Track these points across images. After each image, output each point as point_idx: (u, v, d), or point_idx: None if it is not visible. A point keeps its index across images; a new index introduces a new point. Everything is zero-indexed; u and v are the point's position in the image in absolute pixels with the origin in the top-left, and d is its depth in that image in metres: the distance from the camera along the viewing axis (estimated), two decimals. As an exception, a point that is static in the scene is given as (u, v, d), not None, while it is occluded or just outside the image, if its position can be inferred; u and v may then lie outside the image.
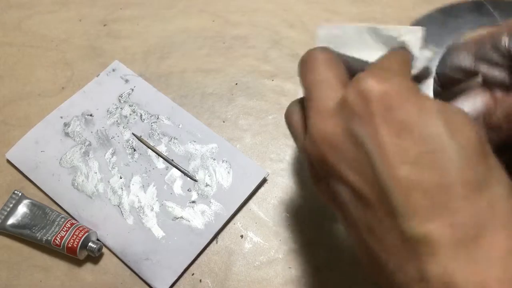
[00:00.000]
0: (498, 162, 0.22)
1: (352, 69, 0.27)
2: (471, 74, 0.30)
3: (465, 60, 0.30)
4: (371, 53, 0.29)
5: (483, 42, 0.29)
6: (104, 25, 0.51)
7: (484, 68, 0.29)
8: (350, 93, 0.23)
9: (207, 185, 0.42)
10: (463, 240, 0.19)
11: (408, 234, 0.20)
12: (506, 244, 0.19)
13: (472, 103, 0.30)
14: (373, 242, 0.22)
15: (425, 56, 0.29)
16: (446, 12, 0.42)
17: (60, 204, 0.42)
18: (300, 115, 0.28)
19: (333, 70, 0.26)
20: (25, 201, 0.41)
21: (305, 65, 0.27)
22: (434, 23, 0.40)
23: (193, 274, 0.39)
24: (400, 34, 0.29)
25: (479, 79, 0.30)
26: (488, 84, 0.29)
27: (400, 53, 0.27)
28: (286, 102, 0.46)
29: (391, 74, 0.23)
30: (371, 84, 0.22)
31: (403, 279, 0.21)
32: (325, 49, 0.27)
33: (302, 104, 0.28)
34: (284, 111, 0.45)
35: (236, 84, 0.48)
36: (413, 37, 0.29)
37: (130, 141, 0.44)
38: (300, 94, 0.28)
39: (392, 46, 0.29)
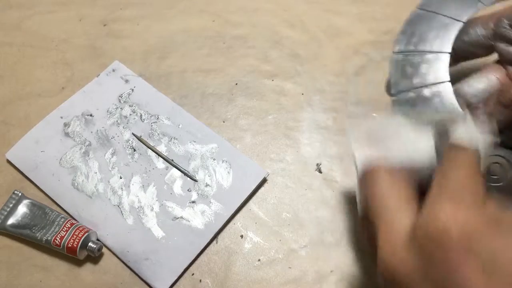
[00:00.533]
0: None
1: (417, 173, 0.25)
2: (487, 49, 0.30)
3: (482, 36, 0.29)
4: (416, 144, 0.26)
5: (500, 18, 0.28)
6: (104, 25, 0.51)
7: (500, 45, 0.28)
8: (423, 224, 0.21)
9: (207, 185, 0.42)
10: None
11: None
12: None
13: (486, 80, 0.29)
14: None
15: (485, 142, 0.25)
16: None
17: (60, 204, 0.42)
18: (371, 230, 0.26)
19: (401, 190, 0.24)
20: (25, 201, 0.41)
21: (369, 184, 0.25)
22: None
23: (193, 274, 0.39)
24: (444, 118, 0.26)
25: (495, 55, 0.29)
26: (504, 61, 0.29)
27: (464, 155, 0.24)
28: (286, 102, 0.46)
29: (468, 199, 0.21)
30: (450, 214, 0.20)
31: None
32: (388, 167, 0.25)
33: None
34: (284, 111, 0.46)
35: (236, 84, 0.48)
36: (463, 125, 0.25)
37: (130, 141, 0.44)
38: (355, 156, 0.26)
39: (449, 141, 0.25)
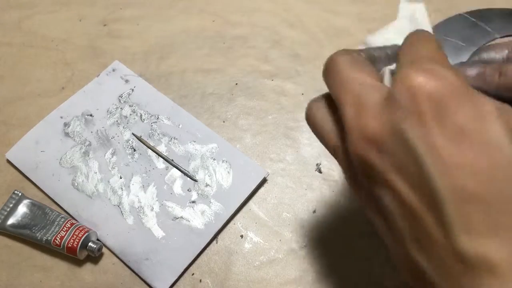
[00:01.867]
0: None
1: (378, 61, 0.25)
2: None
3: (494, 59, 0.29)
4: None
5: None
6: (104, 25, 0.51)
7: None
8: (398, 89, 0.20)
9: (207, 185, 0.42)
10: None
11: (463, 252, 0.18)
12: None
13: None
14: (418, 254, 0.20)
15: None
16: (477, 15, 0.41)
17: (60, 204, 0.42)
18: (328, 114, 0.25)
19: (366, 68, 0.24)
20: (25, 201, 0.41)
21: (333, 68, 0.24)
22: (465, 23, 0.39)
23: (193, 274, 0.39)
24: (407, 11, 0.27)
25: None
26: None
27: (426, 35, 0.24)
28: (286, 102, 0.46)
29: (439, 67, 0.20)
30: (422, 80, 0.20)
31: None
32: (346, 51, 0.25)
33: (328, 102, 0.26)
34: (284, 111, 0.46)
35: (236, 84, 0.48)
36: (420, 13, 0.26)
37: (130, 141, 0.44)
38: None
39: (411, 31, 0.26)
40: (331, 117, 0.25)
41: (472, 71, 0.29)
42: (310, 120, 0.27)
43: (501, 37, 0.37)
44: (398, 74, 0.21)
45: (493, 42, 0.33)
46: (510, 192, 0.18)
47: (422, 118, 0.19)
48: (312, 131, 0.27)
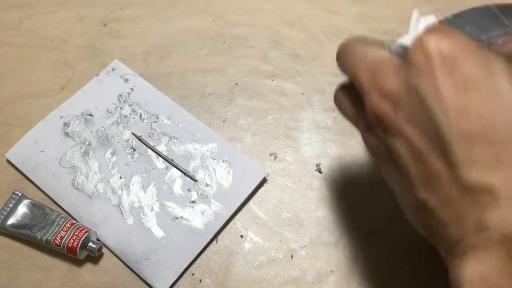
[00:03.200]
0: None
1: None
2: None
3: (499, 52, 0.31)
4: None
5: None
6: (104, 25, 0.51)
7: None
8: (413, 51, 0.23)
9: (207, 185, 0.42)
10: None
11: (468, 183, 0.20)
12: None
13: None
14: (427, 196, 0.22)
15: None
16: (503, 8, 0.40)
17: (60, 204, 0.42)
18: (347, 95, 0.29)
19: (378, 45, 0.26)
20: (25, 201, 0.41)
21: (347, 48, 0.27)
22: (487, 14, 0.39)
23: (193, 274, 0.39)
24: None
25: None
26: None
27: (439, 23, 0.27)
28: (286, 102, 0.46)
29: (453, 33, 0.23)
30: (435, 40, 0.22)
31: (457, 231, 0.21)
32: (359, 37, 0.27)
33: (347, 87, 0.29)
34: (284, 111, 0.46)
35: (236, 84, 0.48)
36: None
37: (130, 141, 0.44)
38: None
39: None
40: (349, 98, 0.29)
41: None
42: (336, 104, 0.30)
43: None
44: (416, 40, 0.23)
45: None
46: (510, 132, 0.20)
47: (433, 72, 0.21)
48: (340, 112, 0.30)
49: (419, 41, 0.23)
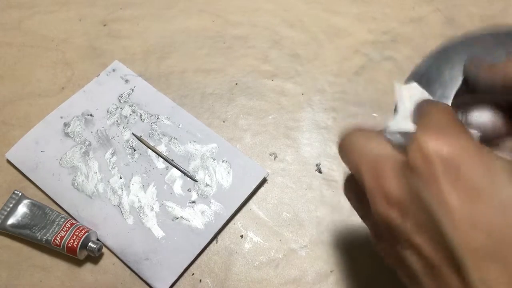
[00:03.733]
0: None
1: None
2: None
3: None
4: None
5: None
6: (104, 25, 0.51)
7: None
8: (413, 155, 0.21)
9: (207, 185, 0.42)
10: None
11: None
12: None
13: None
14: None
15: None
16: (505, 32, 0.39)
17: (60, 204, 0.42)
18: (353, 191, 0.27)
19: (380, 139, 0.25)
20: (25, 201, 0.41)
21: (348, 143, 0.26)
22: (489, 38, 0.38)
23: (193, 274, 0.39)
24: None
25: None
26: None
27: (440, 105, 0.25)
28: (286, 102, 0.46)
29: (451, 132, 0.21)
30: (433, 144, 0.21)
31: None
32: (358, 127, 0.26)
33: (352, 181, 0.27)
34: (284, 111, 0.46)
35: (236, 84, 0.48)
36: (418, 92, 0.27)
37: (130, 141, 0.44)
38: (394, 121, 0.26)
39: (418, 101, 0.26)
40: (356, 192, 0.27)
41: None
42: (346, 194, 0.29)
43: None
44: (413, 141, 0.22)
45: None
46: None
47: (436, 180, 0.20)
48: (351, 204, 0.29)
49: (416, 143, 0.21)
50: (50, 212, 0.40)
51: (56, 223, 0.40)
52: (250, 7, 0.52)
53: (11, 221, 0.40)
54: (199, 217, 0.41)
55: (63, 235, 0.39)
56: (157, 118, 0.45)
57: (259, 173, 0.42)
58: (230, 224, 0.41)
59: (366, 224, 0.27)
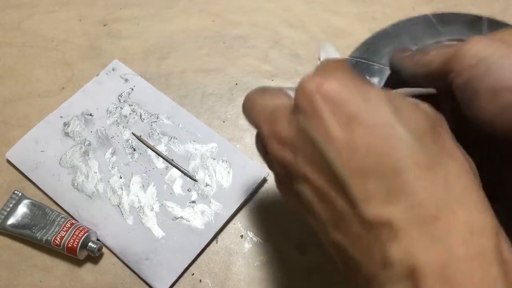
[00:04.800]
0: (452, 140, 0.22)
1: None
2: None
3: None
4: None
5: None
6: (104, 25, 0.51)
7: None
8: (296, 96, 0.23)
9: (207, 185, 0.42)
10: (422, 220, 0.19)
11: (368, 220, 0.20)
12: (465, 220, 0.19)
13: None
14: (339, 236, 0.22)
15: None
16: (440, 17, 0.41)
17: (60, 204, 0.42)
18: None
19: (276, 92, 0.28)
20: (25, 201, 0.41)
21: (248, 102, 0.29)
22: (426, 23, 0.40)
23: (193, 274, 0.39)
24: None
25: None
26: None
27: (337, 59, 0.28)
28: (286, 102, 0.46)
29: (335, 73, 0.23)
30: (314, 82, 0.23)
31: (368, 269, 0.21)
32: (260, 88, 0.29)
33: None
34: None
35: (236, 84, 0.48)
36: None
37: (130, 141, 0.44)
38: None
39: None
40: (262, 145, 0.29)
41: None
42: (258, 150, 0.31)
43: (448, 40, 0.37)
44: (297, 85, 0.24)
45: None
46: (398, 162, 0.20)
47: (317, 113, 0.22)
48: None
49: (300, 84, 0.23)
50: (50, 212, 0.40)
51: (56, 223, 0.40)
52: (250, 7, 0.52)
53: (11, 221, 0.40)
54: (199, 217, 0.41)
55: (63, 235, 0.39)
56: (157, 118, 0.45)
57: (259, 173, 0.42)
58: (230, 224, 0.41)
59: (271, 171, 0.29)
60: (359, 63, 0.35)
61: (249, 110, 0.28)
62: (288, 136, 0.24)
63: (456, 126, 0.26)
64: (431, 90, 0.29)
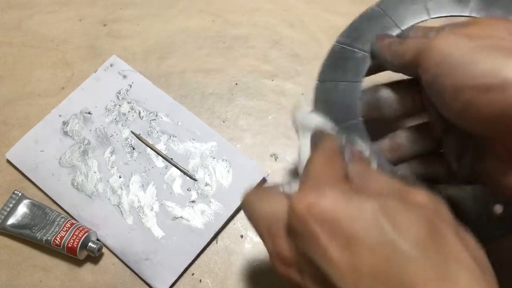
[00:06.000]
0: (456, 238, 0.21)
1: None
2: None
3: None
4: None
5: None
6: (104, 25, 0.51)
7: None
8: (289, 219, 0.23)
9: (206, 184, 0.42)
10: None
11: None
12: None
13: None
14: None
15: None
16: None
17: (60, 204, 0.42)
18: None
19: (273, 195, 0.27)
20: (25, 201, 0.41)
21: (245, 207, 0.28)
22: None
23: (193, 274, 0.39)
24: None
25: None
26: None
27: (323, 153, 0.27)
28: (286, 102, 0.46)
29: (322, 184, 0.23)
30: (305, 203, 0.22)
31: None
32: (256, 188, 0.28)
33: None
34: (284, 111, 0.46)
35: (236, 84, 0.48)
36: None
37: (129, 139, 0.44)
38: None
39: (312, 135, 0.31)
40: None
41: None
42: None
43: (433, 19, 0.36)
44: (288, 207, 0.24)
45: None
46: (407, 281, 0.19)
47: (314, 238, 0.21)
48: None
49: (290, 206, 0.23)
50: (50, 212, 0.40)
51: (56, 223, 0.40)
52: (250, 7, 0.52)
53: (11, 221, 0.40)
54: (199, 217, 0.41)
55: (63, 235, 0.39)
56: (156, 115, 0.45)
57: (259, 173, 0.42)
58: (230, 224, 0.41)
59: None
60: (343, 50, 0.34)
61: (248, 215, 0.28)
62: (291, 257, 0.24)
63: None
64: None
